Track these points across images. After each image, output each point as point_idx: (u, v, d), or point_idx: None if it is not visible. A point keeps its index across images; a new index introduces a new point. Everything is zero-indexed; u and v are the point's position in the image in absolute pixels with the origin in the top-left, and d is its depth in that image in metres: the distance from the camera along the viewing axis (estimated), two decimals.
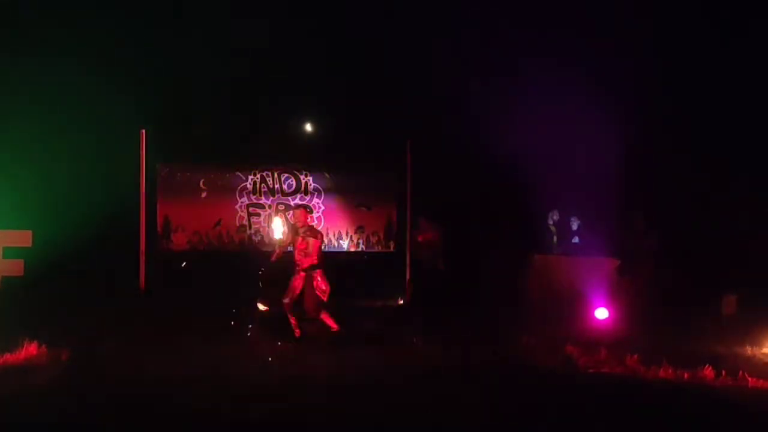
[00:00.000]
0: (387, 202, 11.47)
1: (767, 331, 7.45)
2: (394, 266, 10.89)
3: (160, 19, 10.48)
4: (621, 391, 5.90)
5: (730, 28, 10.23)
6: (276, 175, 11.37)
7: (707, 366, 6.24)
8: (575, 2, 10.37)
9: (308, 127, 11.55)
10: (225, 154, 11.17)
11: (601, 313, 8.45)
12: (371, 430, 4.97)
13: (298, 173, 11.41)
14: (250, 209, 11.31)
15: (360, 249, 11.47)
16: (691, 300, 8.78)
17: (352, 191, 11.45)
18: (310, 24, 10.90)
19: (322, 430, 4.96)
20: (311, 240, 7.51)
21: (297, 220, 7.66)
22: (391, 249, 11.45)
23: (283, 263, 7.72)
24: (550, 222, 10.35)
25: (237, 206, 11.27)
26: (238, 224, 11.28)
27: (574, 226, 10.23)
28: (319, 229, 9.00)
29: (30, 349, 6.63)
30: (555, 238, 10.32)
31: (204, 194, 11.20)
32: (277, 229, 8.16)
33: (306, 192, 11.40)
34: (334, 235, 11.35)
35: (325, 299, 7.50)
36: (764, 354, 7.15)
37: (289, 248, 7.73)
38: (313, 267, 7.47)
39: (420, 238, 10.50)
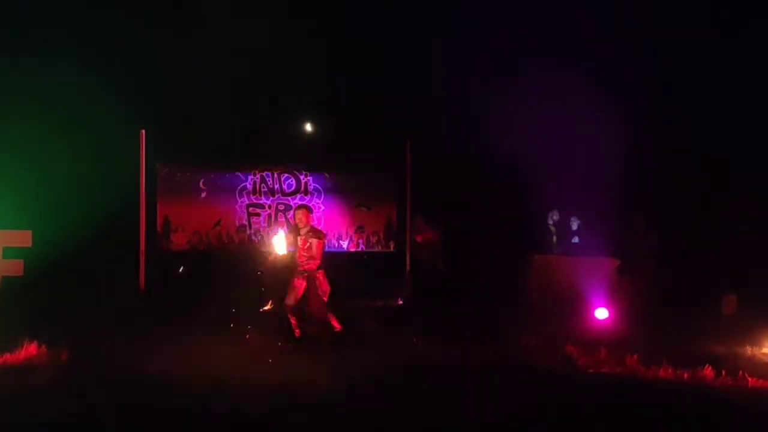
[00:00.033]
0: (387, 202, 11.45)
1: (767, 331, 7.46)
2: (394, 266, 10.89)
3: (160, 18, 10.48)
4: (621, 391, 5.90)
5: (730, 28, 10.24)
6: (276, 175, 11.35)
7: (707, 366, 6.25)
8: (575, 2, 10.37)
9: (308, 127, 11.54)
10: (225, 154, 11.14)
11: (601, 313, 8.45)
12: (371, 430, 4.97)
13: (298, 173, 11.39)
14: (250, 209, 11.29)
15: (360, 249, 11.47)
16: (691, 300, 8.80)
17: (352, 191, 11.43)
18: (310, 24, 10.90)
19: (322, 429, 4.96)
20: (314, 241, 7.48)
21: (299, 220, 7.60)
22: (391, 249, 11.44)
23: (283, 263, 7.73)
24: (550, 222, 10.36)
25: (237, 206, 11.26)
26: (237, 224, 11.26)
27: (574, 226, 10.24)
28: (321, 229, 8.97)
29: (30, 349, 6.64)
30: (555, 238, 10.33)
31: (204, 194, 11.17)
32: (279, 244, 7.76)
33: (306, 192, 11.38)
34: (334, 235, 11.34)
35: (325, 299, 7.50)
36: (764, 354, 7.16)
37: (290, 249, 7.72)
38: (316, 268, 7.46)
39: (419, 238, 10.50)
